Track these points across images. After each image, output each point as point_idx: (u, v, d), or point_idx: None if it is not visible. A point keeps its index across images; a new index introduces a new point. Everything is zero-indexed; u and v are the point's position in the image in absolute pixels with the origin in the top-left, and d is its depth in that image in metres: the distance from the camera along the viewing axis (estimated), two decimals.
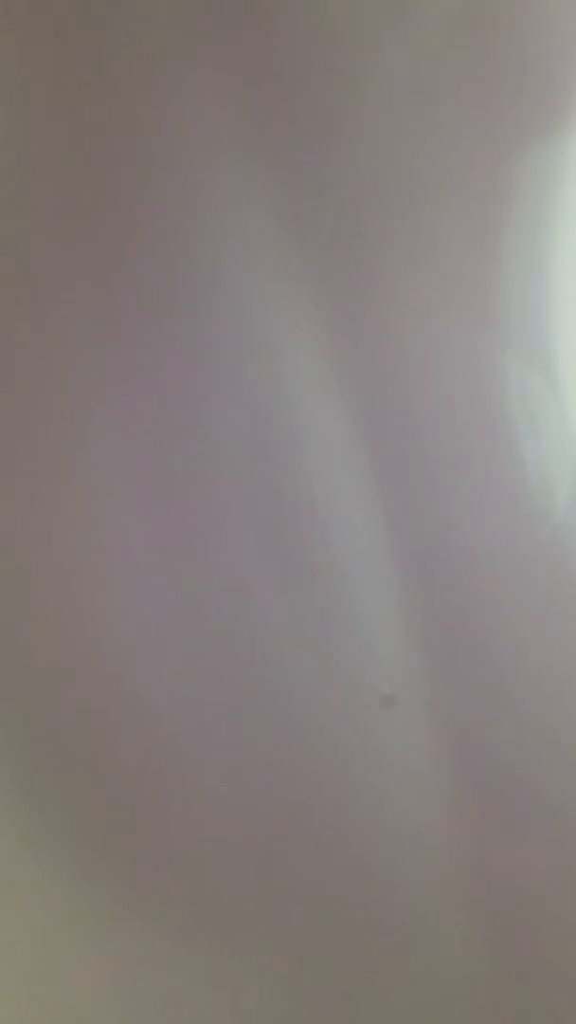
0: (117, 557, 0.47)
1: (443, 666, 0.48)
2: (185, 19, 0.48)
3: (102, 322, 0.48)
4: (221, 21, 0.48)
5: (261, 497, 0.48)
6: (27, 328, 0.48)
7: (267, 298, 0.48)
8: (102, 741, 0.47)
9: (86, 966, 0.46)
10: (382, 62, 0.49)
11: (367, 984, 0.48)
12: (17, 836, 0.46)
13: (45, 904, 0.46)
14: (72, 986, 0.46)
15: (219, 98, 0.48)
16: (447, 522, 0.49)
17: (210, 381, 0.48)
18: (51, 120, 0.48)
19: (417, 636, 0.48)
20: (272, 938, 0.47)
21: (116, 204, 0.48)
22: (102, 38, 0.48)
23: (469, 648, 0.48)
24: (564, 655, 0.48)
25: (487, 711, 0.48)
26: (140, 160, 0.48)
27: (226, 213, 0.48)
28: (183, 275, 0.48)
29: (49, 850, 0.46)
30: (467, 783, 0.48)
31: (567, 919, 0.48)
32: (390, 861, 0.48)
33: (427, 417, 0.48)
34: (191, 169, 0.48)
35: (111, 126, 0.48)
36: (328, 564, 0.48)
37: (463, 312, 0.49)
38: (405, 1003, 0.48)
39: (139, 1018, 0.47)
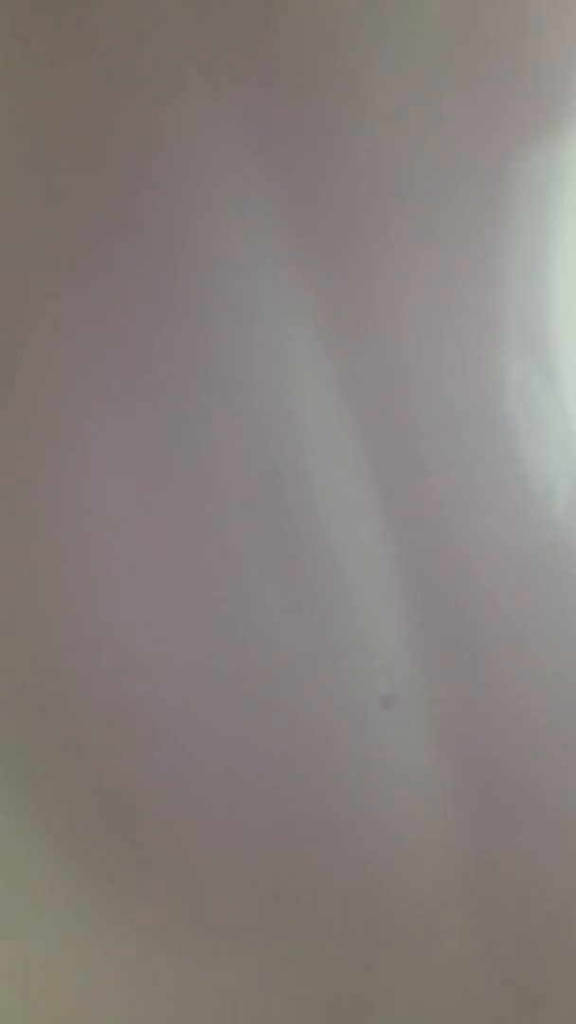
0: (117, 558, 0.47)
1: (443, 666, 0.48)
2: (185, 15, 0.48)
3: (101, 321, 0.48)
4: (221, 17, 0.48)
5: (261, 496, 0.48)
6: (26, 327, 0.48)
7: (267, 296, 0.48)
8: (99, 740, 0.47)
9: (85, 967, 0.46)
10: (383, 60, 0.49)
11: (367, 984, 0.48)
12: (15, 837, 0.46)
13: (44, 905, 0.46)
14: (72, 986, 0.46)
15: (219, 96, 0.48)
16: (447, 521, 0.49)
17: (209, 377, 0.48)
18: (50, 117, 0.48)
19: (417, 636, 0.48)
20: (271, 937, 0.47)
21: (115, 200, 0.48)
22: (101, 35, 0.48)
23: (469, 648, 0.48)
24: (564, 655, 0.48)
25: (487, 711, 0.48)
26: (139, 156, 0.48)
27: (226, 210, 0.48)
28: (182, 272, 0.48)
29: (48, 851, 0.46)
30: (467, 783, 0.48)
31: (567, 919, 0.48)
32: (390, 861, 0.48)
33: (427, 417, 0.48)
34: (191, 166, 0.48)
35: (109, 121, 0.48)
36: (328, 563, 0.48)
37: (464, 311, 0.49)
38: (405, 1003, 0.48)
39: (139, 1018, 0.47)
